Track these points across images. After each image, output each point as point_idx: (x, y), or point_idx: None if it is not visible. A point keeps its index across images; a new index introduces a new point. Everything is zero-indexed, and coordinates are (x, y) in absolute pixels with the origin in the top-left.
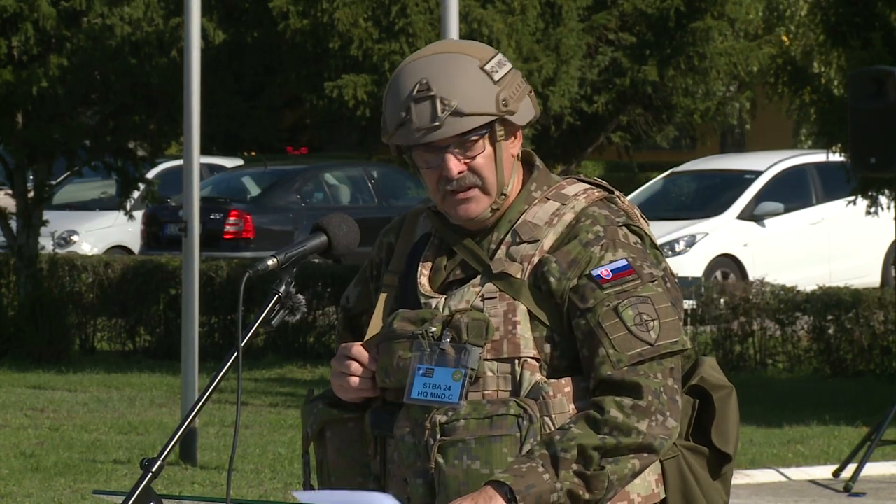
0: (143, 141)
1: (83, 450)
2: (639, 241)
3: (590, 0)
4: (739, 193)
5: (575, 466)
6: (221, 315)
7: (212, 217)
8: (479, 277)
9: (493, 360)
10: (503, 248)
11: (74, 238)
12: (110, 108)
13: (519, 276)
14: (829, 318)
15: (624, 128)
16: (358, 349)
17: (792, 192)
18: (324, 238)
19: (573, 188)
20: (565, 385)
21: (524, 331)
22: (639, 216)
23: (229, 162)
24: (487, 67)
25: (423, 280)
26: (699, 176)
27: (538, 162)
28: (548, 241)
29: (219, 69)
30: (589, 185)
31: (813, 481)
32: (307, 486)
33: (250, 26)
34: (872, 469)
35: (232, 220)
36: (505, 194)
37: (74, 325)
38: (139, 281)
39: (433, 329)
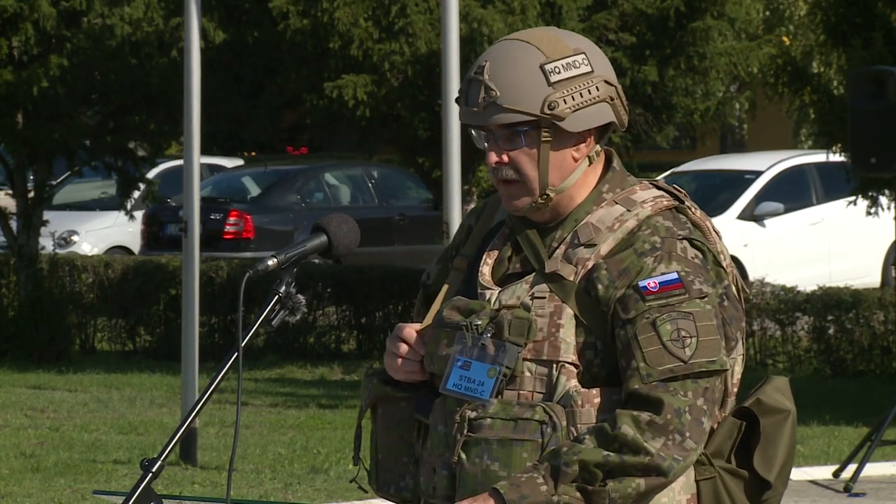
0: (143, 141)
1: (83, 450)
2: (699, 255)
3: (590, 0)
4: (739, 193)
5: (576, 481)
6: (221, 315)
7: (212, 217)
8: (533, 275)
9: (532, 360)
10: (562, 247)
11: (74, 238)
12: (110, 108)
13: (571, 279)
14: (830, 318)
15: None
16: (409, 331)
17: (792, 192)
18: (324, 238)
19: (643, 194)
20: (595, 396)
21: (566, 335)
22: (709, 229)
23: (229, 162)
24: (549, 66)
25: (485, 269)
26: (699, 176)
27: (615, 162)
28: (605, 247)
29: (219, 69)
30: (660, 193)
31: (813, 481)
32: (357, 460)
33: (250, 26)
34: (872, 469)
35: (232, 220)
36: (548, 195)
37: (74, 325)
38: (139, 281)
39: (478, 322)
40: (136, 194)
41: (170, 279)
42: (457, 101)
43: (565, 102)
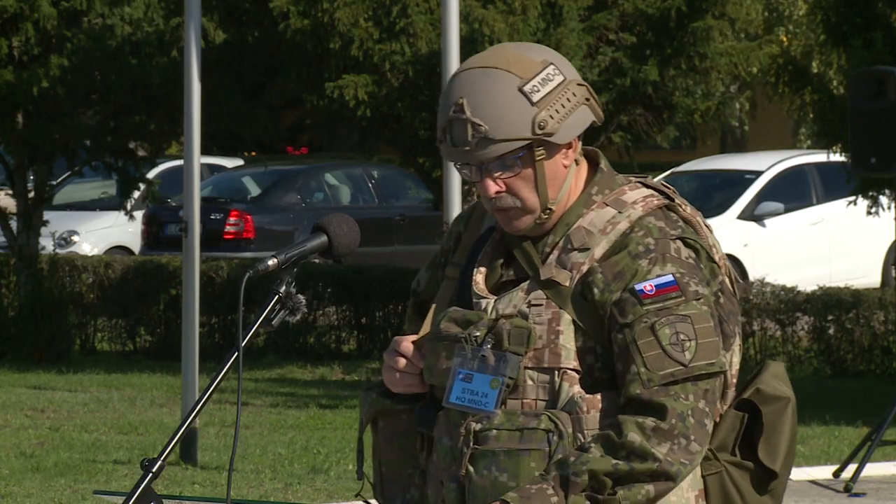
0: (143, 141)
1: (83, 450)
2: (693, 255)
3: (590, 0)
4: (739, 193)
5: (586, 491)
6: (221, 315)
7: (212, 217)
8: (528, 282)
9: (533, 368)
10: (556, 252)
11: (75, 238)
12: (110, 108)
13: (567, 285)
14: (830, 318)
15: (624, 128)
16: (405, 345)
17: (792, 192)
18: (324, 238)
19: (633, 194)
20: (599, 401)
21: (566, 341)
22: (701, 224)
23: (229, 162)
24: (527, 88)
25: (479, 278)
26: (699, 176)
27: (603, 163)
28: (599, 250)
29: (219, 69)
30: (650, 192)
31: (813, 481)
32: (360, 475)
33: (250, 26)
34: (872, 469)
35: (232, 220)
36: (550, 209)
37: (74, 325)
38: (139, 281)
39: (477, 333)
40: (136, 194)
41: (170, 279)
42: (439, 143)
43: (552, 118)
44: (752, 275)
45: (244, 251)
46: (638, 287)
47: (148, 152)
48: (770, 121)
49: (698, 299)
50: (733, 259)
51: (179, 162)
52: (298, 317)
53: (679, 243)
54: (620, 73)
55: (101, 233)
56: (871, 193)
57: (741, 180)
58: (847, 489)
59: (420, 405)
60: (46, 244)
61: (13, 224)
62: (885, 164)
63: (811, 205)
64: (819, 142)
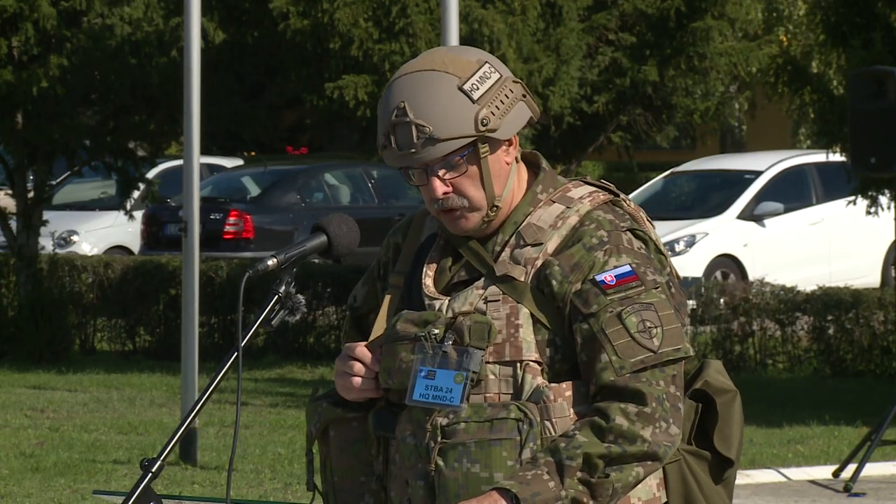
0: (143, 141)
1: (83, 450)
2: (643, 246)
3: (590, 0)
4: (739, 193)
5: (580, 474)
6: (221, 315)
7: (212, 217)
8: (482, 280)
9: (494, 363)
10: (507, 250)
11: (74, 238)
12: (110, 108)
13: (522, 279)
14: (829, 318)
15: (624, 128)
16: (361, 349)
17: (792, 192)
18: (324, 238)
19: (578, 191)
20: (566, 389)
21: (526, 334)
22: (644, 219)
23: (229, 162)
24: (466, 87)
25: (428, 281)
26: (699, 176)
27: (544, 164)
28: (552, 245)
29: (219, 69)
30: (594, 188)
31: (813, 481)
32: (311, 486)
33: (250, 26)
34: (872, 469)
35: (232, 220)
36: (497, 206)
37: (74, 325)
38: (139, 281)
39: (436, 331)
40: (136, 194)
41: (170, 279)
42: (382, 149)
43: (493, 114)
44: (752, 275)
45: (244, 251)
46: (599, 278)
47: (148, 152)
48: (770, 121)
49: (656, 287)
50: (733, 259)
51: (179, 162)
52: (298, 317)
53: (630, 235)
54: (620, 73)
55: (101, 233)
56: (870, 193)
57: (741, 180)
58: (847, 489)
59: (375, 410)
60: (46, 244)
61: (13, 224)
62: (885, 164)
63: (811, 205)
64: (819, 142)
